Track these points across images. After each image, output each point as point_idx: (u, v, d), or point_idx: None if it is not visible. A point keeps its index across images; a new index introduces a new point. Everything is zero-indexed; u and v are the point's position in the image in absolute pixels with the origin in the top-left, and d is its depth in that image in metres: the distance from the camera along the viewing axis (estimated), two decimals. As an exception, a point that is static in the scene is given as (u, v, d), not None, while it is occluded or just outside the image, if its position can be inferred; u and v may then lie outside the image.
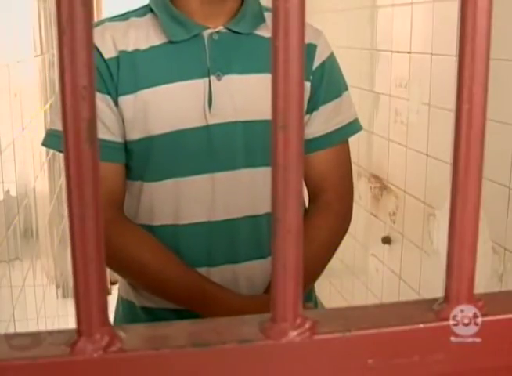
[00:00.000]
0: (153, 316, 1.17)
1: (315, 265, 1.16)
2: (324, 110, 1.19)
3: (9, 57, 2.01)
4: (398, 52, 2.30)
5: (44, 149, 2.60)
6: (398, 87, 2.32)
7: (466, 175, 0.38)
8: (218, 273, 1.14)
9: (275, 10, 0.34)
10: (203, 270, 1.13)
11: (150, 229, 1.14)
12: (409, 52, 2.22)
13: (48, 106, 2.77)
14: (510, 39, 1.59)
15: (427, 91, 2.09)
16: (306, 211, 1.21)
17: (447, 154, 1.93)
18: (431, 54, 2.06)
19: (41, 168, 2.55)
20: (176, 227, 1.13)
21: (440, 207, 2.03)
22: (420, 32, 2.14)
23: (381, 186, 2.49)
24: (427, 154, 2.11)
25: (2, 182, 1.77)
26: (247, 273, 1.15)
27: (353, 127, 1.23)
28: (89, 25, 0.32)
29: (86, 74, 0.33)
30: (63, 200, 3.04)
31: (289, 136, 0.35)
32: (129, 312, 1.22)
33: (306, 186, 1.22)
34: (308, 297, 1.26)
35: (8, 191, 1.85)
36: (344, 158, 1.22)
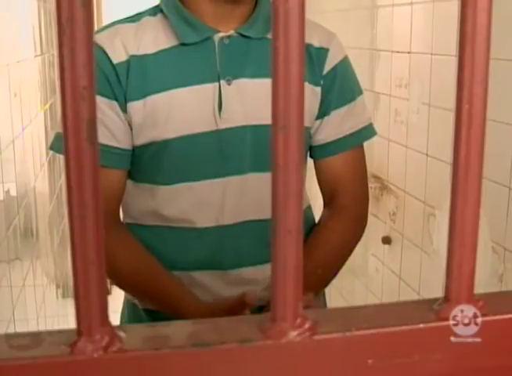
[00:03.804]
0: (155, 318, 1.17)
1: (328, 268, 1.16)
2: (336, 115, 1.17)
3: (9, 57, 2.01)
4: (398, 52, 2.30)
5: (44, 149, 2.60)
6: (398, 87, 2.32)
7: (466, 175, 0.38)
8: (226, 276, 1.14)
9: (275, 10, 0.34)
10: (211, 273, 1.14)
11: (158, 230, 1.14)
12: (409, 52, 2.22)
13: (48, 106, 2.77)
14: (510, 39, 1.59)
15: (427, 91, 2.09)
16: (321, 215, 1.21)
17: (447, 154, 1.93)
18: (431, 54, 2.06)
19: (41, 168, 2.55)
20: (185, 230, 1.13)
21: (440, 207, 2.03)
22: (420, 32, 2.14)
23: (381, 186, 2.49)
24: (427, 154, 2.11)
25: (2, 182, 1.77)
26: (255, 277, 1.14)
27: (367, 132, 1.21)
28: (89, 25, 0.32)
29: (86, 74, 0.33)
30: (63, 200, 3.04)
31: (289, 137, 0.35)
32: (133, 314, 1.23)
33: (321, 190, 1.22)
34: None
35: (8, 191, 1.85)
36: (359, 163, 1.21)
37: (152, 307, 1.16)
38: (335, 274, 1.18)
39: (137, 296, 1.17)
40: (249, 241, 1.14)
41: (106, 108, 1.07)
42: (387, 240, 2.44)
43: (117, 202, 1.13)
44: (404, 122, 2.27)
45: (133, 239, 1.13)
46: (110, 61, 1.07)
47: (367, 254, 2.63)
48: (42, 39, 2.71)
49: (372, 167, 2.57)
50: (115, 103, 1.07)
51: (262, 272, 1.13)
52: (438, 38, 2.02)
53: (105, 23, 4.13)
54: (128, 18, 1.14)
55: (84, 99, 0.33)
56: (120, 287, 1.16)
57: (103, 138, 1.07)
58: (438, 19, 2.01)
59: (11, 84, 1.98)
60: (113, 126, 1.08)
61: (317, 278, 1.13)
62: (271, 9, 0.35)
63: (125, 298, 1.27)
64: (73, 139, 0.33)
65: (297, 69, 0.34)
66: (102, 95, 1.06)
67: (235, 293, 1.14)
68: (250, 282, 1.14)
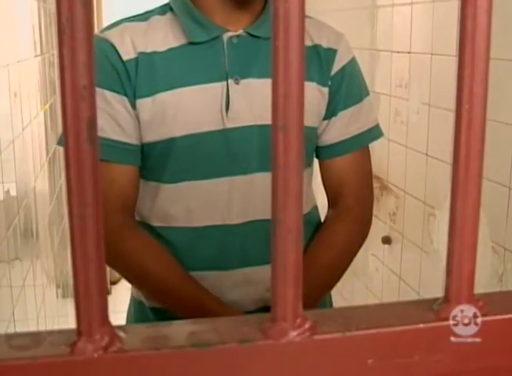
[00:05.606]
0: (162, 316, 1.17)
1: (333, 271, 1.16)
2: (344, 116, 1.17)
3: (9, 57, 2.01)
4: (398, 52, 2.30)
5: (44, 149, 2.60)
6: (398, 87, 2.32)
7: (466, 175, 0.38)
8: (231, 276, 1.13)
9: (275, 10, 0.34)
10: (215, 273, 1.13)
11: (164, 231, 1.14)
12: (409, 52, 2.22)
13: (48, 106, 2.77)
14: (510, 39, 1.59)
15: (427, 91, 2.09)
16: (325, 216, 1.21)
17: (447, 154, 1.93)
18: (431, 54, 2.06)
19: (41, 168, 2.55)
20: (190, 230, 1.12)
21: (440, 207, 2.03)
22: (420, 32, 2.14)
23: (381, 186, 2.49)
24: (427, 154, 2.11)
25: (2, 182, 1.77)
26: (260, 277, 1.14)
27: (373, 133, 1.22)
28: (89, 25, 0.32)
29: (86, 73, 0.33)
30: (63, 200, 3.04)
31: (289, 137, 0.35)
32: (140, 312, 1.22)
33: (326, 191, 1.21)
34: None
35: (8, 191, 1.85)
36: (365, 164, 1.22)
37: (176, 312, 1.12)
38: (340, 277, 1.18)
39: (163, 303, 1.13)
40: (255, 241, 1.13)
41: (116, 103, 1.07)
42: (387, 240, 2.44)
43: (133, 200, 1.12)
44: (404, 122, 2.27)
45: (157, 242, 1.12)
46: (120, 57, 1.07)
47: (367, 254, 2.63)
48: (42, 39, 2.71)
49: (372, 167, 2.57)
50: (125, 99, 1.07)
51: (268, 272, 1.12)
52: (438, 38, 2.02)
53: (105, 23, 4.13)
54: (136, 16, 1.14)
55: (84, 99, 0.33)
56: (147, 291, 1.15)
57: (113, 133, 1.07)
58: (438, 19, 2.01)
59: (11, 84, 1.98)
60: (124, 122, 1.08)
61: (322, 282, 1.13)
62: (271, 9, 0.35)
63: (132, 296, 1.26)
64: (73, 139, 0.33)
65: (297, 69, 0.34)
66: (113, 90, 1.06)
67: (240, 293, 1.14)
68: (256, 282, 1.14)
